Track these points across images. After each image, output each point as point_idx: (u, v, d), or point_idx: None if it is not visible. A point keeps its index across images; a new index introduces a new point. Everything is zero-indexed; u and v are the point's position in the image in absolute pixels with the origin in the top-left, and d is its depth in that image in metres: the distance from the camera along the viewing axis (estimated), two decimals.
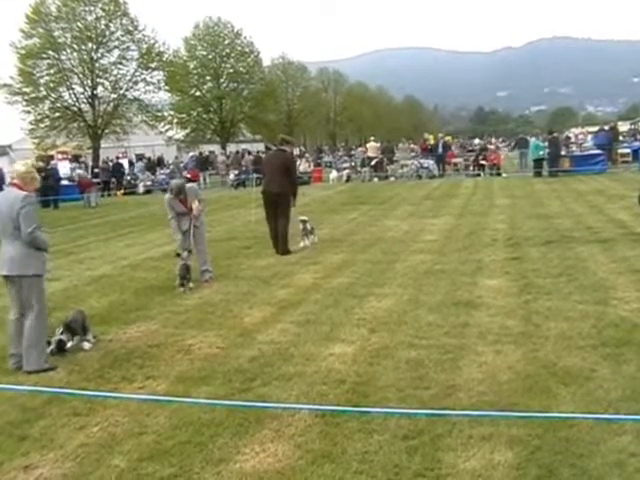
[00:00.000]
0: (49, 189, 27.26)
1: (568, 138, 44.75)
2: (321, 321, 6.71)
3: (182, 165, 38.15)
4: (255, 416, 4.41)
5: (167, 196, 9.27)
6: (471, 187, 23.08)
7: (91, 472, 3.82)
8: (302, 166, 31.84)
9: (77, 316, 6.48)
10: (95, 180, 31.88)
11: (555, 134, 28.64)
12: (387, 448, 3.83)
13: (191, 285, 8.79)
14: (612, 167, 26.58)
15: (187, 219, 9.10)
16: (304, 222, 11.69)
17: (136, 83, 44.28)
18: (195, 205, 9.06)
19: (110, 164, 35.99)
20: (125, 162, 40.36)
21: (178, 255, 8.96)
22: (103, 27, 42.22)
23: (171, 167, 38.04)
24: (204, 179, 35.06)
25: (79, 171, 32.23)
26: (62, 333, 6.15)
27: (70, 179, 32.11)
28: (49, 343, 6.02)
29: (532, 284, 7.70)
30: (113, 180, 34.51)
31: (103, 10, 41.96)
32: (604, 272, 8.07)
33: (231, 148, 49.94)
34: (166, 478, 3.69)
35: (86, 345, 6.25)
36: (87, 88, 42.33)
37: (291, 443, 4.00)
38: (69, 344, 6.13)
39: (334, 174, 32.46)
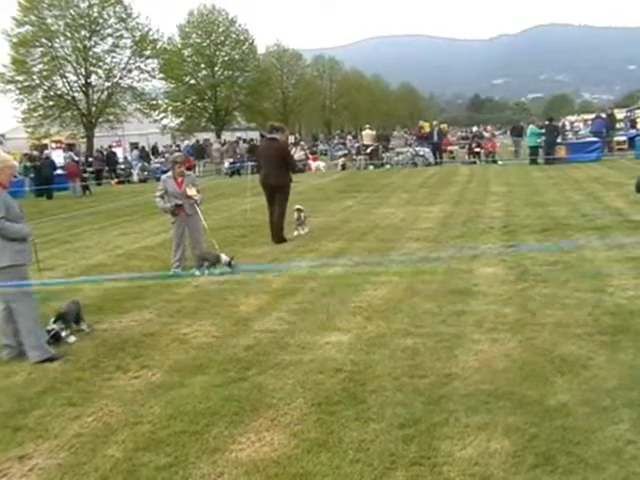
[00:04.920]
0: (44, 179, 27.13)
1: (564, 126, 44.67)
2: (317, 309, 6.69)
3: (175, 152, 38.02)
4: (250, 405, 4.39)
5: (164, 176, 9.52)
6: (467, 175, 23.03)
7: (86, 462, 3.80)
8: (297, 154, 31.72)
9: (71, 306, 6.44)
10: (89, 169, 31.74)
11: (553, 121, 28.46)
12: (383, 437, 3.82)
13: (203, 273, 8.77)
14: (608, 155, 26.54)
15: (177, 202, 9.08)
16: (299, 211, 11.67)
17: (130, 71, 44.09)
18: (192, 192, 9.11)
19: (104, 152, 35.79)
20: (119, 151, 40.12)
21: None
22: (96, 15, 41.93)
23: (167, 156, 37.92)
24: (199, 167, 34.94)
25: (70, 153, 31.99)
26: (55, 323, 6.10)
27: (64, 168, 31.96)
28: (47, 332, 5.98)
29: (528, 272, 7.68)
30: (106, 168, 34.33)
31: None
32: (600, 260, 8.06)
33: (226, 136, 49.71)
34: (161, 468, 3.67)
35: (71, 339, 6.16)
36: (81, 76, 42.12)
37: (287, 432, 3.99)
38: (63, 334, 6.09)
39: (321, 164, 32.18)
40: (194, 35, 51.85)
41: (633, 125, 36.54)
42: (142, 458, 3.78)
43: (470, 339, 5.44)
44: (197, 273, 8.72)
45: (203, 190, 9.76)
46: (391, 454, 3.62)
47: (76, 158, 31.15)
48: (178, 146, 45.19)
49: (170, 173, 9.31)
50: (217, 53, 52.18)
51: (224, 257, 8.87)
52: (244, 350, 5.57)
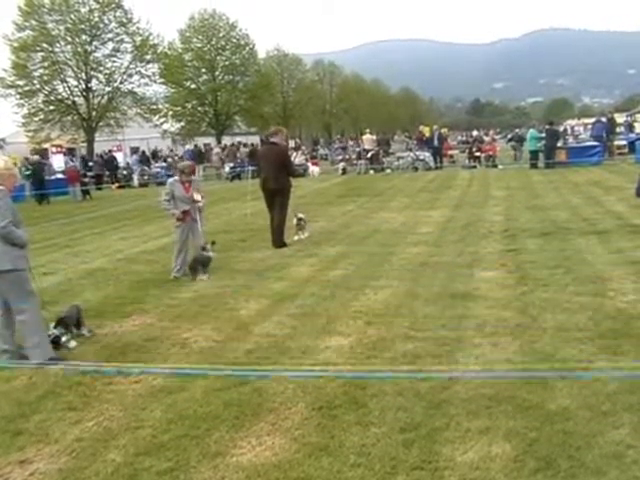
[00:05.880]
0: (39, 183, 27.10)
1: (565, 130, 44.69)
2: (317, 314, 6.69)
3: (177, 158, 38.17)
4: (251, 409, 4.39)
5: (171, 179, 9.58)
6: (467, 179, 23.04)
7: (87, 466, 3.80)
8: (298, 159, 31.73)
9: (72, 311, 6.45)
10: (90, 174, 31.72)
11: (554, 126, 28.44)
12: (384, 441, 3.82)
13: (202, 277, 8.75)
14: (608, 159, 26.56)
15: (184, 206, 9.16)
16: (300, 219, 11.69)
17: (130, 76, 44.16)
18: (198, 197, 9.22)
19: (104, 157, 35.82)
20: (120, 155, 40.13)
21: (213, 243, 9.17)
22: (97, 19, 42.01)
23: (169, 160, 37.99)
24: (199, 172, 34.95)
25: (70, 161, 31.85)
26: (55, 328, 6.11)
27: (64, 172, 31.96)
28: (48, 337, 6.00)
29: (529, 276, 7.68)
30: (107, 173, 34.33)
31: (97, 2, 41.73)
32: (601, 264, 8.05)
33: (226, 140, 49.76)
34: (162, 472, 3.66)
35: (72, 343, 6.16)
36: (81, 81, 42.18)
37: (288, 436, 3.98)
38: (64, 338, 6.10)
39: (316, 169, 32.14)
40: (195, 40, 51.92)
41: (631, 129, 36.60)
42: (143, 462, 3.78)
43: (471, 343, 5.44)
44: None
45: (205, 194, 9.77)
46: (392, 458, 3.61)
47: (71, 163, 30.98)
48: (171, 150, 45.18)
49: (177, 177, 9.37)
50: (217, 58, 52.23)
51: (212, 254, 9.01)
52: (245, 354, 5.57)
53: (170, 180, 9.59)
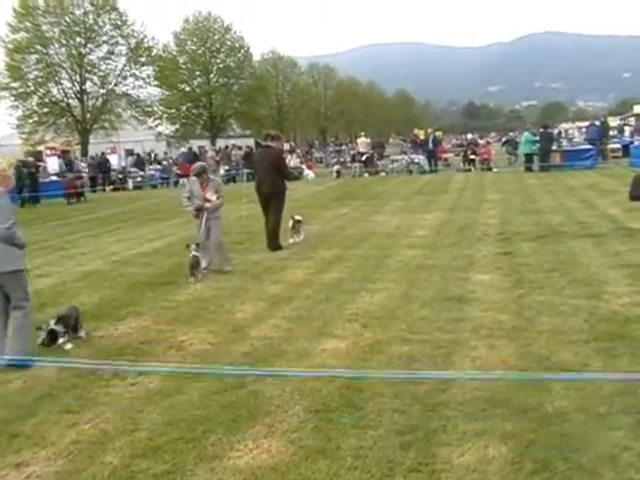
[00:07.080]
0: (28, 187, 26.95)
1: (559, 133, 44.89)
2: (313, 316, 6.69)
3: (172, 160, 38.16)
4: (248, 412, 4.39)
5: (191, 178, 9.85)
6: (462, 182, 23.06)
7: (84, 469, 3.79)
8: (293, 161, 31.71)
9: (71, 311, 6.45)
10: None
11: (548, 129, 28.52)
12: (381, 443, 3.82)
13: (199, 277, 8.75)
14: (602, 162, 26.64)
15: (199, 203, 9.36)
16: (297, 221, 11.66)
17: (125, 78, 44.26)
18: (212, 197, 9.32)
19: (95, 159, 35.71)
20: (114, 157, 40.01)
21: (188, 246, 9.01)
22: (92, 22, 42.07)
23: (164, 163, 37.91)
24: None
25: (70, 174, 31.47)
26: (56, 324, 6.11)
27: (58, 175, 31.78)
28: (39, 328, 6.07)
29: (524, 279, 7.71)
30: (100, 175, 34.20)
31: (92, 4, 41.80)
32: (596, 267, 8.09)
33: (220, 143, 49.73)
34: (159, 475, 3.66)
35: (68, 346, 6.14)
36: (76, 83, 42.22)
37: (285, 439, 3.99)
38: (61, 340, 6.08)
39: (311, 174, 32.10)
40: (189, 42, 51.90)
41: (621, 133, 36.80)
42: (140, 465, 3.78)
43: (467, 346, 5.45)
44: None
45: (223, 197, 9.73)
46: (389, 461, 3.62)
47: (71, 176, 30.41)
48: (156, 155, 44.95)
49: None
50: (212, 60, 52.22)
51: (197, 254, 8.96)
52: (241, 357, 5.57)
53: (190, 179, 9.92)
